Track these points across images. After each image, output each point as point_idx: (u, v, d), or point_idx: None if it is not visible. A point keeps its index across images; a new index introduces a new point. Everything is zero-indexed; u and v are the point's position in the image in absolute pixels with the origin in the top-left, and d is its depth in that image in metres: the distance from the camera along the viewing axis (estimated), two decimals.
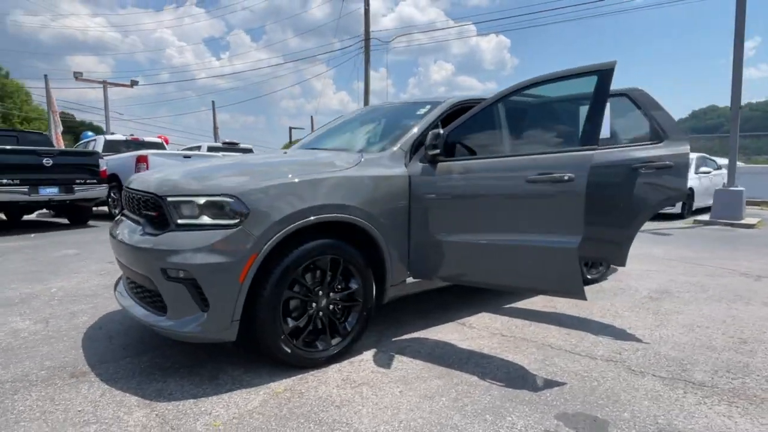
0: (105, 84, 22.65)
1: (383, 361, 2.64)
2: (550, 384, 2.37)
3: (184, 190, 2.36)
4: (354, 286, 2.67)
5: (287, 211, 2.34)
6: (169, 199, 2.35)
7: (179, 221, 2.32)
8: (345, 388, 2.33)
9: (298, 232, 2.42)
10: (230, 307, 2.26)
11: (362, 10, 20.26)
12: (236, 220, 2.27)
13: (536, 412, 2.10)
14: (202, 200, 2.31)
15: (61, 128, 15.69)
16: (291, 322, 2.44)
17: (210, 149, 11.17)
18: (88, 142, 10.81)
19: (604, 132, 3.31)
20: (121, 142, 10.38)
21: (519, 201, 2.56)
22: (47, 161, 7.35)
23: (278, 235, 2.31)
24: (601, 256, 3.49)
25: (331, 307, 2.59)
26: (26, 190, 7.14)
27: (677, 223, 9.43)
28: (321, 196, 2.47)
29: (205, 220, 2.30)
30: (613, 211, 3.26)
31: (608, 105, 3.24)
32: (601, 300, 3.84)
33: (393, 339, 2.98)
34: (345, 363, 2.61)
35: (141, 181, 2.71)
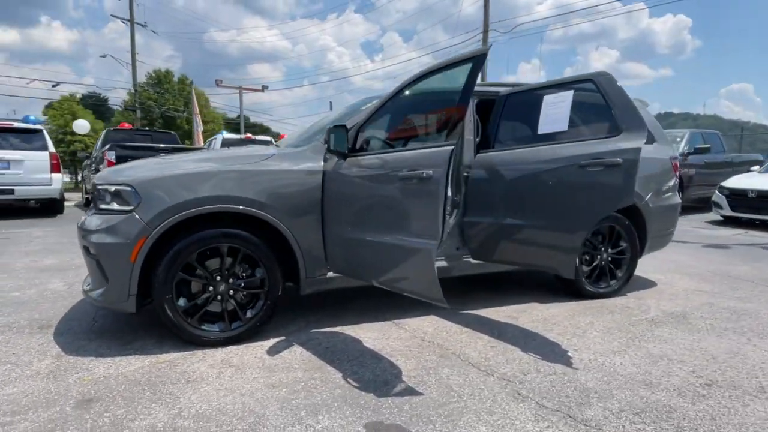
0: (240, 89, 25.93)
1: (277, 349, 2.73)
2: (404, 392, 2.23)
3: (105, 179, 2.76)
4: (258, 274, 2.81)
5: (175, 200, 2.59)
6: (97, 186, 2.78)
7: (101, 206, 2.72)
8: (215, 367, 2.50)
9: (198, 219, 2.65)
10: (125, 282, 2.58)
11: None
12: (131, 207, 2.59)
13: (354, 416, 2.02)
14: (112, 188, 2.68)
15: (201, 128, 18.40)
16: (183, 302, 2.69)
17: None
18: (212, 140, 12.55)
19: (563, 125, 2.88)
20: (236, 140, 11.83)
21: (390, 199, 2.44)
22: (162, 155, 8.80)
23: (167, 221, 2.57)
24: (547, 265, 3.06)
25: (231, 292, 2.77)
26: None
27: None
28: (210, 188, 2.66)
29: (114, 206, 2.66)
30: (558, 214, 2.83)
31: (572, 94, 2.86)
32: (586, 316, 3.34)
33: (312, 330, 3.05)
34: (243, 346, 2.77)
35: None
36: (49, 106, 30.70)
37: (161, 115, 36.13)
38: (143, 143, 9.36)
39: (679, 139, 10.28)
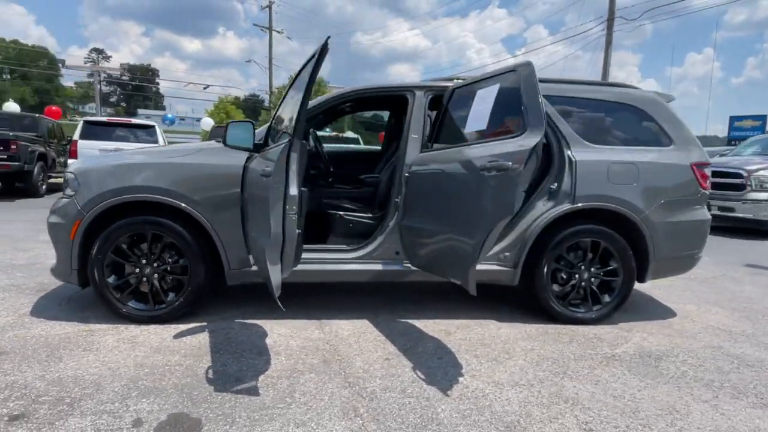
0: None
1: (185, 333, 2.89)
2: (243, 391, 2.22)
3: (68, 168, 3.18)
4: (181, 262, 3.00)
5: (103, 188, 2.89)
6: (65, 173, 3.22)
7: (66, 191, 3.15)
8: (120, 341, 2.73)
9: (137, 206, 2.92)
10: (68, 257, 2.96)
11: None
12: (72, 193, 2.96)
13: (171, 405, 2.08)
14: (67, 176, 3.08)
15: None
16: (113, 279, 2.98)
17: None
18: None
19: (483, 123, 2.53)
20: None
21: (258, 196, 2.41)
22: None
23: (98, 206, 2.88)
24: (451, 276, 2.70)
25: (156, 275, 3.00)
26: None
27: None
28: (131, 178, 2.90)
29: (67, 191, 3.06)
30: (458, 220, 2.50)
31: (497, 88, 2.57)
32: (534, 341, 2.91)
33: (236, 320, 3.15)
34: (163, 326, 2.97)
35: None
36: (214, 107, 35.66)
37: None
38: None
39: None
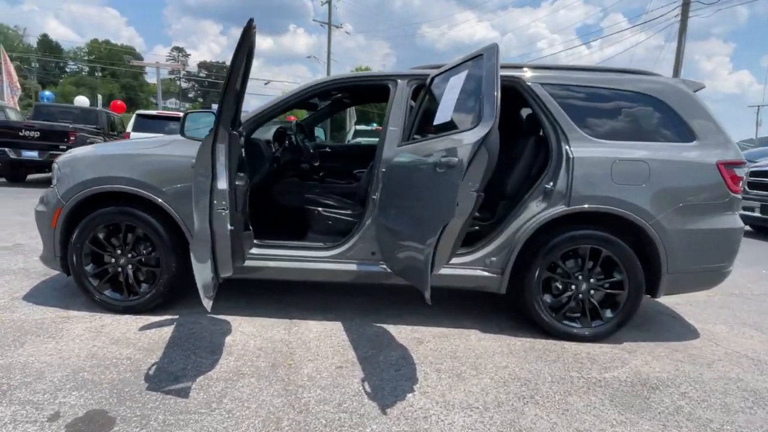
0: None
1: (151, 326, 2.87)
2: (173, 392, 2.15)
3: (58, 158, 3.27)
4: (155, 254, 2.99)
5: (80, 178, 2.93)
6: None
7: (54, 181, 3.25)
8: (86, 330, 2.76)
9: (115, 196, 2.95)
10: (51, 245, 3.05)
11: None
12: (55, 182, 3.03)
13: (97, 400, 2.04)
14: (54, 166, 3.16)
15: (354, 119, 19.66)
16: (91, 267, 3.03)
17: None
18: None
19: (447, 113, 2.27)
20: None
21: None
22: None
23: (76, 195, 2.93)
24: (411, 280, 2.43)
25: (130, 266, 3.02)
26: None
27: None
28: (108, 169, 2.91)
29: (53, 180, 3.14)
30: (415, 219, 2.26)
31: (465, 75, 2.33)
32: (512, 357, 2.62)
33: (209, 315, 3.10)
34: (135, 317, 2.98)
35: None
36: None
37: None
38: None
39: None
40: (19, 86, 14.66)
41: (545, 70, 3.05)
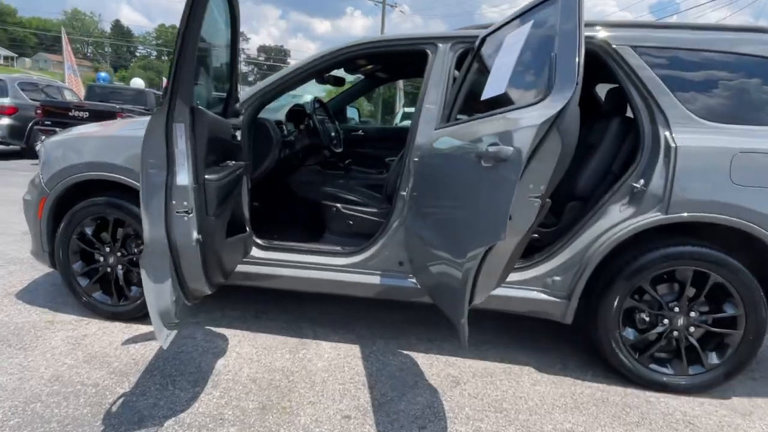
0: None
1: (136, 339, 2.44)
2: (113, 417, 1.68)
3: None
4: (135, 251, 2.56)
5: (63, 163, 2.51)
6: None
7: (39, 166, 2.87)
8: (63, 341, 2.36)
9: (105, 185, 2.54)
10: (38, 237, 2.68)
11: None
12: (40, 166, 2.64)
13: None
14: (40, 148, 2.77)
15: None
16: (79, 266, 2.63)
17: None
18: None
19: (501, 84, 1.60)
20: None
21: None
22: None
23: (60, 184, 2.53)
24: (443, 307, 1.80)
25: (120, 266, 2.60)
26: None
27: None
28: (92, 153, 2.48)
29: (39, 166, 2.76)
30: (451, 229, 1.63)
31: (528, 30, 1.69)
32: (572, 414, 1.96)
33: (207, 326, 2.63)
34: (123, 326, 2.56)
35: None
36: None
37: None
38: None
39: None
40: (75, 67, 15.05)
41: (635, 28, 2.28)
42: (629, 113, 2.31)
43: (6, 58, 60.30)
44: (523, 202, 1.29)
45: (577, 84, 1.26)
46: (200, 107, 1.60)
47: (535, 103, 1.41)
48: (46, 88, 10.16)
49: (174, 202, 1.49)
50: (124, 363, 2.20)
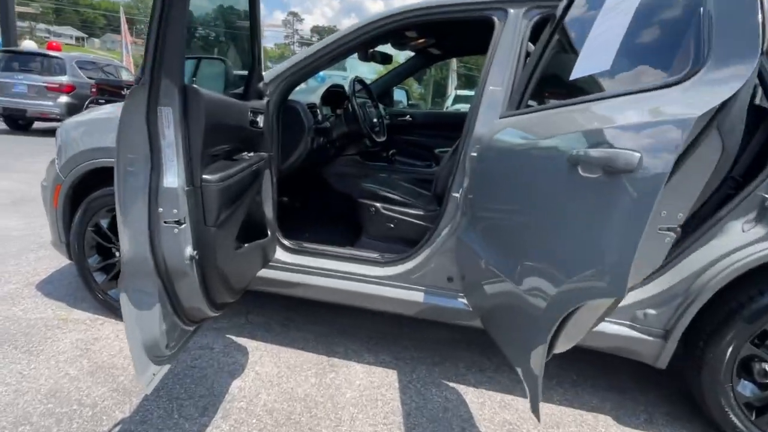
0: None
1: None
2: None
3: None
4: None
5: (78, 148, 2.27)
6: None
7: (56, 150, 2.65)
8: (72, 345, 2.15)
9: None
10: (56, 227, 2.48)
11: None
12: (56, 151, 2.42)
13: None
14: (58, 132, 2.54)
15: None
16: (94, 260, 2.41)
17: None
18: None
19: (606, 61, 1.14)
20: None
21: None
22: None
23: (74, 170, 2.29)
24: (504, 347, 1.36)
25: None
26: None
27: None
28: (104, 136, 2.20)
29: (56, 150, 2.54)
30: (528, 252, 1.19)
31: None
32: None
33: (228, 335, 2.34)
34: None
35: None
36: None
37: None
38: None
39: None
40: (130, 47, 15.42)
41: None
42: (759, 100, 1.76)
43: (77, 38, 63.76)
44: (650, 234, 0.85)
45: (762, 54, 0.79)
46: (195, 86, 1.25)
47: (674, 84, 0.94)
48: (105, 67, 10.33)
49: (161, 209, 1.15)
50: (130, 378, 1.94)
